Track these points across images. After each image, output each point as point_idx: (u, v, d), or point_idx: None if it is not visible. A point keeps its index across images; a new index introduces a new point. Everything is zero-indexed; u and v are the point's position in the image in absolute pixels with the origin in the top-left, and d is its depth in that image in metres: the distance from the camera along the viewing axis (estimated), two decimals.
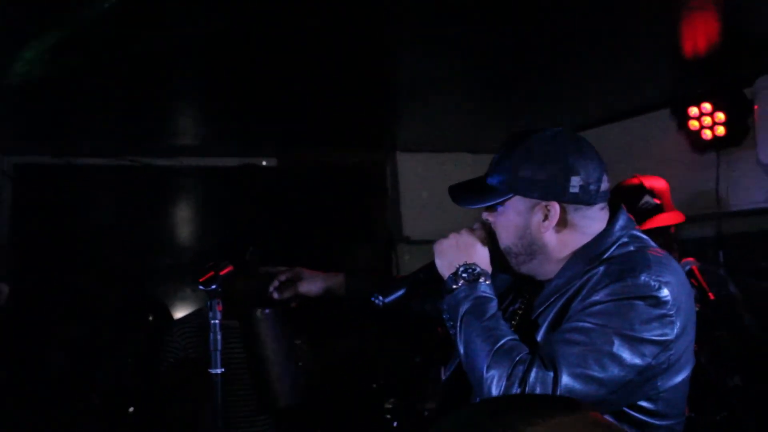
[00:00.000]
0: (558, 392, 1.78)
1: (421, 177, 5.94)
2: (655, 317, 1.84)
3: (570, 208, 1.98)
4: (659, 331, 1.84)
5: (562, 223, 1.99)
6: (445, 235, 2.09)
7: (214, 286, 2.15)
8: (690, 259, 3.64)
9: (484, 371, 1.87)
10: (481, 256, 2.05)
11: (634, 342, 1.82)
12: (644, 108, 4.97)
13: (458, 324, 1.96)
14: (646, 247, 1.99)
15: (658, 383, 1.88)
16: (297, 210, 5.84)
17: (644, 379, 1.85)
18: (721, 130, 4.53)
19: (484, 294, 1.99)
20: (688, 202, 4.72)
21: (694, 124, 4.61)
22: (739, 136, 4.54)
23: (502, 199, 2.01)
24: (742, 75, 4.43)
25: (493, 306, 1.97)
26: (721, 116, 4.51)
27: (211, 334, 2.13)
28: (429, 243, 5.73)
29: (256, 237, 4.50)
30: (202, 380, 3.29)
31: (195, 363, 3.80)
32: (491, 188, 2.03)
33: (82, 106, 4.61)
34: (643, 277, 1.85)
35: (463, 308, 1.97)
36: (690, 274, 3.55)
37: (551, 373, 1.80)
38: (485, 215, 2.09)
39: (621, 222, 2.03)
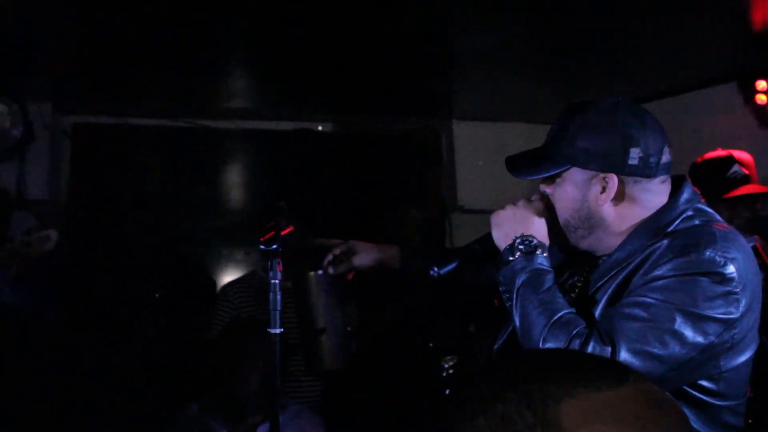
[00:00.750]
0: None
1: (476, 146, 5.88)
2: (720, 294, 1.79)
3: (629, 180, 1.94)
4: (723, 309, 1.79)
5: (621, 196, 1.95)
6: (502, 206, 2.07)
7: (274, 246, 2.14)
8: (755, 236, 3.56)
9: (540, 344, 1.85)
10: (539, 228, 2.02)
11: (697, 319, 1.78)
12: (709, 81, 4.85)
13: (514, 296, 1.94)
14: (712, 221, 1.94)
15: (721, 362, 1.84)
16: (351, 176, 5.83)
17: (706, 357, 1.81)
18: None
19: (540, 266, 1.96)
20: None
21: (761, 99, 4.49)
22: None
23: (559, 170, 1.98)
24: None
25: (550, 279, 1.94)
26: None
27: (271, 294, 2.12)
28: (484, 213, 5.68)
29: (306, 202, 4.50)
30: (255, 340, 3.32)
31: (247, 322, 3.82)
32: (548, 159, 2.00)
33: (139, 67, 4.62)
34: (708, 253, 1.80)
35: (519, 280, 1.94)
36: (753, 251, 3.47)
37: (609, 348, 1.77)
38: (543, 187, 2.06)
39: (686, 195, 1.98)
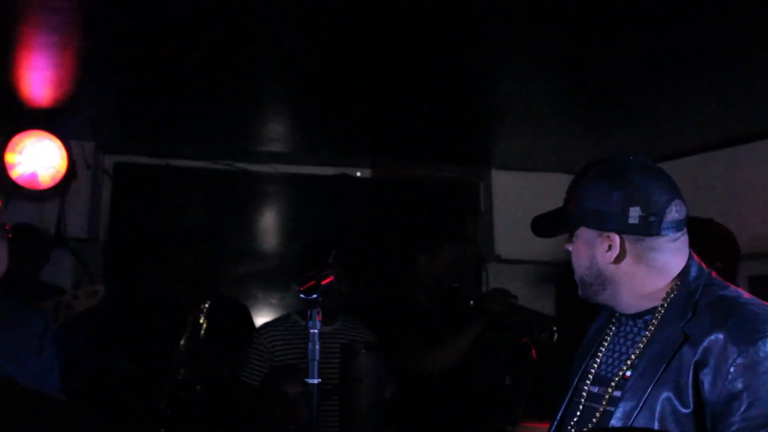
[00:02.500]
0: None
1: (515, 196, 5.85)
2: None
3: (630, 239, 2.01)
4: None
5: (623, 255, 2.01)
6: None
7: (314, 296, 2.12)
8: None
9: None
10: None
11: None
12: (761, 133, 4.75)
13: None
14: (738, 294, 1.98)
15: None
16: (388, 222, 5.82)
17: None
18: None
19: None
20: None
21: None
22: None
23: (570, 230, 2.08)
24: None
25: None
26: None
27: (310, 344, 2.10)
28: (521, 263, 5.70)
29: (345, 245, 4.50)
30: (291, 387, 3.31)
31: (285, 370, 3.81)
32: (562, 219, 2.11)
33: (180, 109, 4.67)
34: None
35: None
36: None
37: None
38: (566, 245, 2.13)
39: (692, 272, 2.03)
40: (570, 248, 2.12)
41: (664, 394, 1.90)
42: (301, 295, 2.14)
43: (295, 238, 5.85)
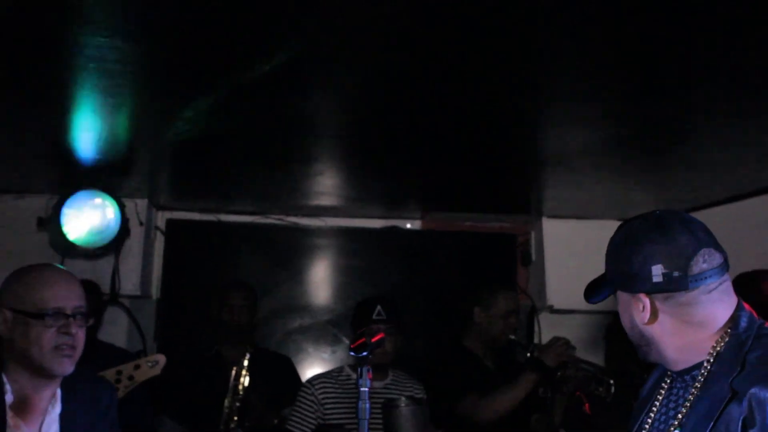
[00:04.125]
0: None
1: (566, 244, 5.79)
2: None
3: (659, 297, 1.98)
4: None
5: (655, 314, 1.99)
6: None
7: (365, 353, 2.10)
8: None
9: None
10: None
11: None
12: None
13: None
14: None
15: None
16: (439, 274, 5.80)
17: None
18: None
19: None
20: None
21: None
22: None
23: (606, 294, 2.09)
24: None
25: None
26: None
27: (360, 402, 2.08)
28: (573, 312, 5.62)
29: (391, 297, 4.48)
30: None
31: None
32: (604, 284, 2.11)
33: (230, 166, 4.73)
34: None
35: None
36: None
37: None
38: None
39: (743, 323, 1.97)
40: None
41: None
42: (351, 353, 2.13)
43: (346, 291, 5.86)
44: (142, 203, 5.39)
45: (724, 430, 1.84)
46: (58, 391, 2.66)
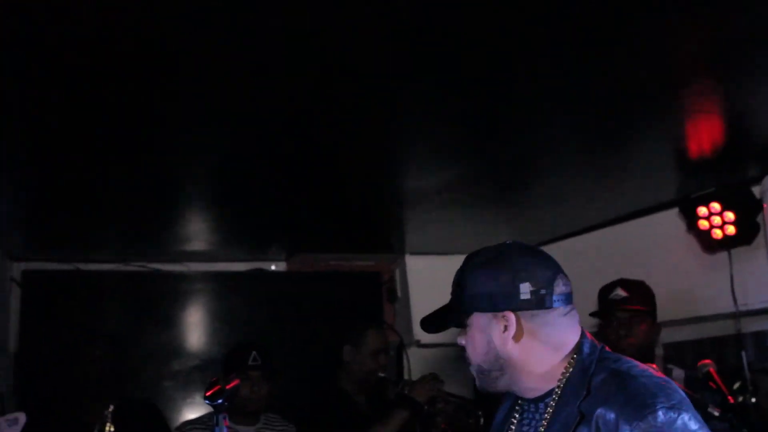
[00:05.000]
0: None
1: (430, 279, 5.87)
2: None
3: (525, 315, 2.02)
4: None
5: (521, 333, 2.02)
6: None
7: (220, 401, 2.10)
8: (707, 361, 3.60)
9: None
10: None
11: None
12: (651, 209, 4.97)
13: None
14: (622, 370, 1.99)
15: None
16: (306, 315, 5.81)
17: None
18: (731, 230, 4.51)
19: None
20: (704, 301, 4.68)
21: (704, 224, 4.59)
22: (749, 234, 4.52)
23: (460, 320, 2.08)
24: (749, 174, 4.44)
25: None
26: (730, 215, 4.49)
27: None
28: (439, 347, 5.71)
29: (264, 342, 4.47)
30: None
31: None
32: (452, 311, 2.11)
33: (89, 213, 4.64)
34: (660, 415, 1.83)
35: None
36: (708, 376, 3.51)
37: None
38: (459, 339, 2.12)
39: (585, 349, 2.05)
40: (463, 342, 2.11)
41: None
42: (206, 401, 2.12)
43: (214, 335, 5.80)
44: None
45: None
46: None
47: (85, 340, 4.58)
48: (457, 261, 6.17)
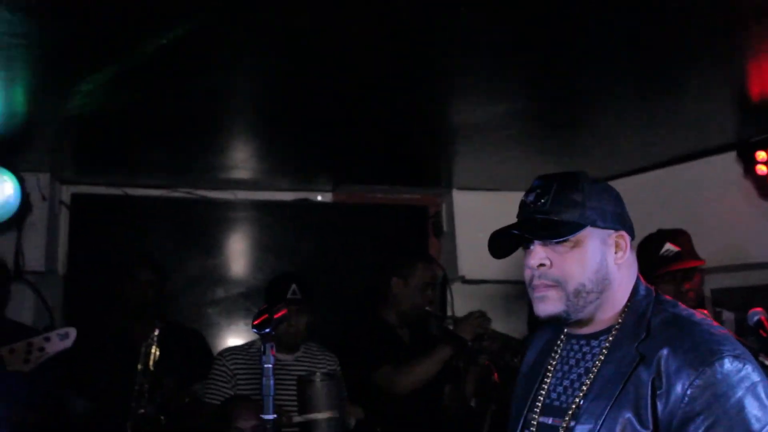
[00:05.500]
0: None
1: (477, 215, 5.85)
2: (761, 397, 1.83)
3: (630, 242, 2.03)
4: None
5: (624, 257, 2.02)
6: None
7: (267, 330, 2.09)
8: (758, 309, 3.52)
9: None
10: None
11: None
12: (707, 152, 4.83)
13: None
14: (687, 312, 1.99)
15: None
16: (351, 246, 5.81)
17: None
18: None
19: None
20: (756, 249, 4.57)
21: (761, 169, 4.46)
22: None
23: (578, 232, 1.97)
24: None
25: None
26: None
27: (264, 379, 2.06)
28: (484, 283, 5.70)
29: (307, 273, 4.48)
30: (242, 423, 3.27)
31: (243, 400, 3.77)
32: (561, 224, 1.98)
33: (138, 138, 4.63)
34: (727, 364, 1.82)
35: None
36: (759, 324, 3.44)
37: None
38: (540, 258, 2.01)
39: (641, 288, 2.06)
40: (547, 262, 2.00)
41: (625, 415, 1.87)
42: (254, 330, 2.11)
43: (258, 264, 5.83)
44: (45, 177, 5.23)
45: (634, 393, 1.88)
46: None
47: (133, 264, 4.63)
48: (504, 197, 6.23)
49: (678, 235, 3.75)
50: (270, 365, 2.05)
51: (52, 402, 4.18)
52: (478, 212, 5.87)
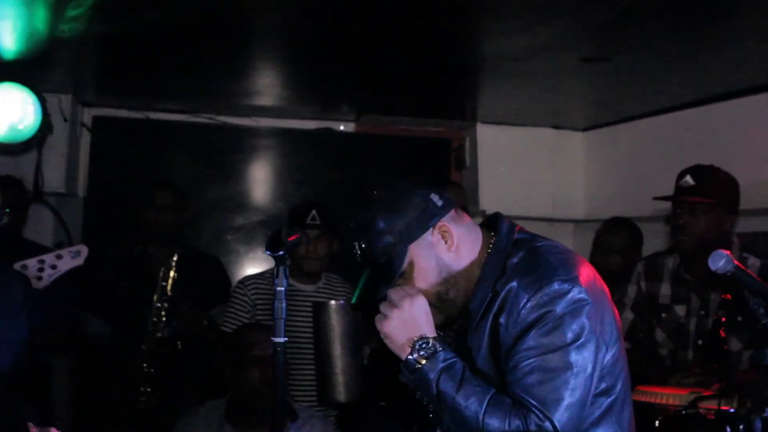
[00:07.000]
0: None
1: (500, 150, 5.80)
2: (580, 316, 2.00)
3: (448, 218, 2.14)
4: (590, 325, 2.01)
5: (452, 236, 2.13)
6: (384, 313, 2.11)
7: (281, 252, 2.06)
8: None
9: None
10: (428, 322, 2.10)
11: (580, 349, 1.99)
12: (743, 91, 4.69)
13: (435, 399, 2.03)
14: (537, 247, 2.12)
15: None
16: (373, 177, 5.76)
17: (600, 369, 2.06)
18: None
19: (446, 361, 2.04)
20: None
21: None
22: None
23: (405, 258, 2.10)
24: None
25: (459, 368, 2.04)
26: None
27: (276, 302, 2.04)
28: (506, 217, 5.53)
29: (328, 202, 4.44)
30: (262, 343, 3.26)
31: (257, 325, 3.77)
32: (389, 261, 2.11)
33: (161, 61, 4.57)
34: (556, 284, 2.00)
35: (434, 385, 2.02)
36: None
37: (547, 423, 1.94)
38: (399, 288, 2.13)
39: (504, 229, 2.18)
40: (406, 284, 2.16)
41: (485, 340, 2.09)
42: (267, 252, 2.08)
43: (278, 192, 5.82)
44: (67, 99, 5.21)
45: (485, 325, 2.08)
46: None
47: (153, 188, 4.61)
48: (529, 133, 6.13)
49: (705, 172, 3.64)
50: (282, 288, 2.03)
51: (68, 322, 4.20)
52: (501, 147, 5.84)
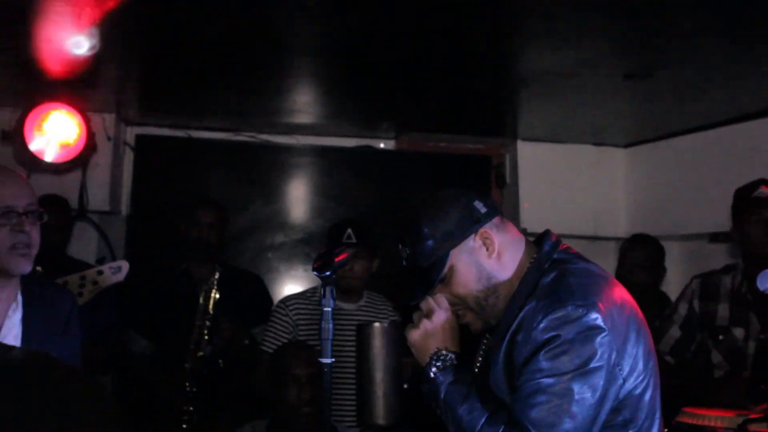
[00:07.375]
0: None
1: (541, 167, 5.76)
2: (594, 343, 1.95)
3: (492, 225, 2.13)
4: (601, 353, 1.95)
5: (494, 244, 2.13)
6: (414, 322, 2.16)
7: (328, 273, 2.06)
8: None
9: None
10: (452, 337, 2.15)
11: (588, 376, 1.94)
12: None
13: (444, 411, 2.08)
14: (567, 271, 2.08)
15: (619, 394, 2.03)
16: (413, 195, 5.74)
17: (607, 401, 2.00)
18: None
19: (457, 375, 2.08)
20: None
21: None
22: None
23: (446, 263, 2.12)
24: None
25: (468, 382, 2.07)
26: None
27: (323, 323, 2.04)
28: None
29: (367, 220, 4.44)
30: (305, 363, 3.26)
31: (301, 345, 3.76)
32: (429, 267, 2.14)
33: (203, 81, 4.62)
34: (570, 308, 1.96)
35: (441, 396, 2.07)
36: None
37: None
38: (440, 296, 2.17)
39: (546, 247, 2.15)
40: (445, 293, 2.18)
41: (501, 356, 2.09)
42: (314, 273, 2.08)
43: (319, 210, 5.82)
44: (110, 118, 5.27)
45: (504, 341, 2.08)
46: (19, 296, 2.58)
47: (195, 206, 4.64)
48: (570, 150, 6.09)
49: None
50: (329, 309, 2.03)
51: (109, 338, 4.23)
52: (542, 164, 5.80)
